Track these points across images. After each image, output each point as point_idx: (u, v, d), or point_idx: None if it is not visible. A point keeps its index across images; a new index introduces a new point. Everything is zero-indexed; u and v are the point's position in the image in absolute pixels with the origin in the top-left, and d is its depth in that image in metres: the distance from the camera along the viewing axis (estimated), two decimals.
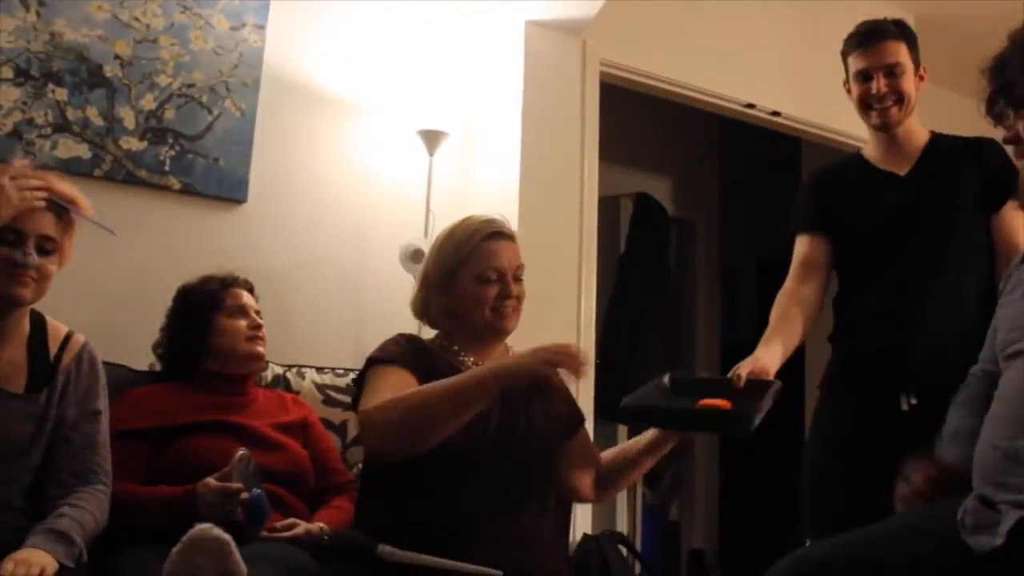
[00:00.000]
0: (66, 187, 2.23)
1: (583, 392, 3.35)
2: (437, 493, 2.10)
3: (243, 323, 2.59)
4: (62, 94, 2.97)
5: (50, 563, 1.95)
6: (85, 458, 2.20)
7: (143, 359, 2.67)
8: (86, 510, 2.12)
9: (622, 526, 4.50)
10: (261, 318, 2.64)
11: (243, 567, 1.50)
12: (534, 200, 3.42)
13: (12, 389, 2.17)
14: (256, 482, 2.21)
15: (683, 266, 5.58)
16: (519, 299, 2.32)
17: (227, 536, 1.50)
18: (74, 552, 2.03)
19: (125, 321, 2.69)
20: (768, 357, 2.40)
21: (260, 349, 2.60)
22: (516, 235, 2.36)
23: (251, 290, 2.69)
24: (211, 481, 2.21)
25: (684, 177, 5.64)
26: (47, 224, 2.16)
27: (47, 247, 2.16)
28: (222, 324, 2.58)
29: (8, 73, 2.89)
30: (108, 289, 2.88)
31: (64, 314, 2.39)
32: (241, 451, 2.22)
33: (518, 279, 2.32)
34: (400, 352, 2.26)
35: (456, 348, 2.34)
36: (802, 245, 2.71)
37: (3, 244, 2.11)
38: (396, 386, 2.15)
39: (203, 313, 2.60)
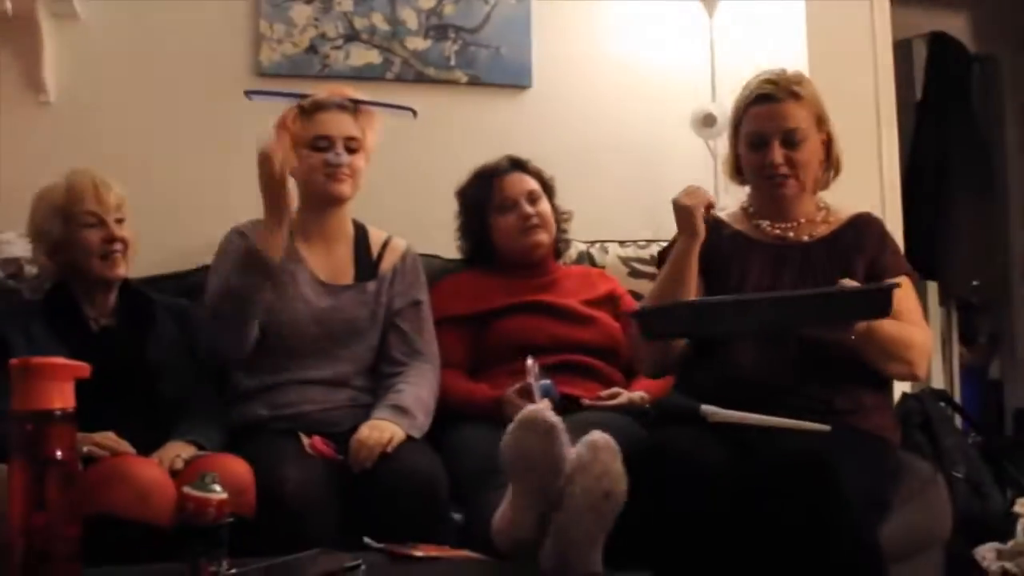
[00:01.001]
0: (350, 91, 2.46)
1: None
2: (759, 354, 2.09)
3: (513, 218, 2.62)
4: (348, 4, 3.09)
5: (398, 432, 2.15)
6: (413, 340, 2.42)
7: (451, 247, 2.79)
8: (421, 386, 2.32)
9: (939, 385, 4.31)
10: (537, 199, 2.63)
11: (568, 449, 1.54)
12: (823, 52, 3.25)
13: (344, 282, 2.42)
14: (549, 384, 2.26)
15: (988, 106, 5.17)
16: (792, 165, 2.22)
17: (556, 419, 1.55)
18: (416, 424, 2.21)
19: (431, 212, 2.80)
20: None
21: (537, 238, 2.61)
22: (799, 91, 2.24)
23: (525, 169, 2.67)
24: (514, 396, 2.30)
25: (983, 9, 5.18)
26: (349, 126, 2.39)
27: (352, 145, 2.39)
28: (495, 223, 2.64)
29: None
30: (412, 183, 3.02)
31: (376, 210, 2.56)
32: (528, 360, 2.26)
33: (790, 143, 2.22)
34: None
35: (752, 211, 2.31)
36: None
37: (318, 150, 2.34)
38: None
39: (478, 214, 2.68)
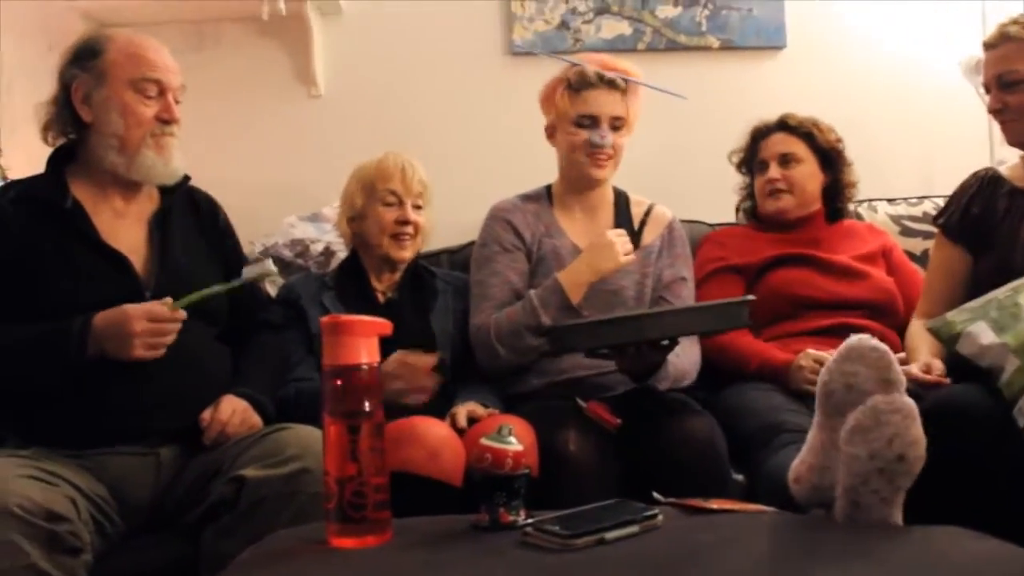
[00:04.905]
0: (623, 64, 2.40)
1: None
2: None
3: (762, 180, 2.56)
4: None
5: None
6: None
7: (712, 212, 2.76)
8: (686, 363, 2.32)
9: None
10: (793, 161, 2.53)
11: (902, 376, 1.45)
12: None
13: None
14: None
15: None
16: (1012, 109, 2.10)
17: (885, 347, 1.46)
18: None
19: (690, 179, 2.79)
20: None
21: (777, 204, 2.53)
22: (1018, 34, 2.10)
23: (790, 129, 2.57)
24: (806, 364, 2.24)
25: None
26: (616, 104, 2.35)
27: (617, 124, 2.36)
28: (755, 182, 2.61)
29: None
30: (669, 151, 3.01)
31: (635, 179, 2.55)
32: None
33: (1005, 85, 2.11)
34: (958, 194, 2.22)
35: None
36: None
37: (581, 128, 2.34)
38: None
39: (749, 171, 2.66)
